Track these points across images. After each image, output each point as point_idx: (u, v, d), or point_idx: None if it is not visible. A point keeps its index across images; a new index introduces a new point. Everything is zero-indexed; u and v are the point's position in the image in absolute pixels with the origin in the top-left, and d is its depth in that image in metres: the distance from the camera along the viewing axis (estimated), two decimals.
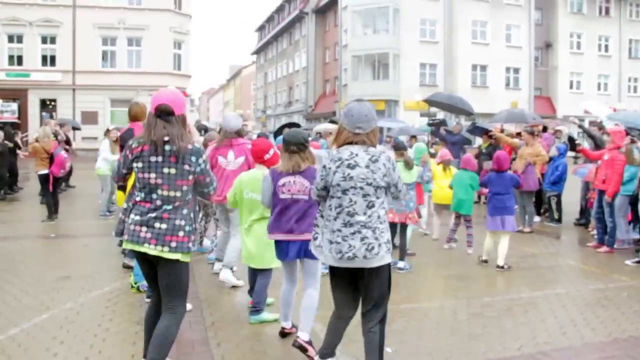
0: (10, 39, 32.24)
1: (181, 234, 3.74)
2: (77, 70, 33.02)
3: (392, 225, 7.81)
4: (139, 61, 34.45)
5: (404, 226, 7.87)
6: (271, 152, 5.76)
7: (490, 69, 39.03)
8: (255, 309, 5.58)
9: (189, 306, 5.98)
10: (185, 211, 3.78)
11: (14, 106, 31.65)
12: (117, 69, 34.03)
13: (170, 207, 3.74)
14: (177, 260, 3.75)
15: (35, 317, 5.54)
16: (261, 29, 66.43)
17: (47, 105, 33.22)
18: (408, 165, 7.85)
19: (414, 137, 15.04)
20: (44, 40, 32.79)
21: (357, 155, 3.84)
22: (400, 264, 7.71)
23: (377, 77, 38.37)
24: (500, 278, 7.51)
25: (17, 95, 31.95)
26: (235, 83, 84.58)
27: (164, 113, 3.74)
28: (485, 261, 8.18)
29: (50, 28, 32.54)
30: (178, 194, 3.76)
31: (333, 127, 22.42)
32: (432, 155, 12.24)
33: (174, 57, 35.47)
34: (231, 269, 7.02)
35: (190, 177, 3.77)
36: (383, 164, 3.82)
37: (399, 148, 8.14)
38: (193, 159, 3.73)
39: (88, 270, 7.30)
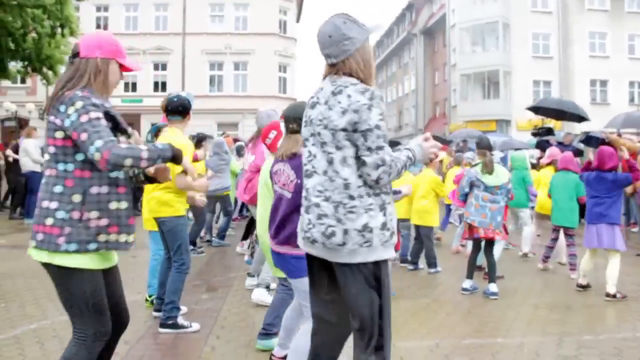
0: None
1: (49, 222, 2.54)
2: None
3: (476, 243, 6.31)
4: (245, 85, 34.61)
5: (490, 243, 6.30)
6: (272, 134, 4.52)
7: (612, 84, 35.38)
8: (265, 331, 4.33)
9: (195, 326, 4.89)
10: (58, 188, 2.57)
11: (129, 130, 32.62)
12: (224, 92, 34.35)
13: (44, 180, 2.61)
14: (59, 265, 2.55)
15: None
16: None
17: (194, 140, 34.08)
18: (487, 168, 6.29)
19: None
20: (156, 67, 33.82)
21: (321, 90, 2.63)
22: (493, 288, 6.14)
23: (487, 96, 36.04)
24: (609, 310, 5.76)
25: (131, 120, 32.92)
26: None
27: (71, 56, 2.69)
28: (583, 286, 6.41)
29: (161, 55, 33.52)
30: (47, 158, 2.62)
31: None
32: (534, 167, 10.50)
33: (279, 81, 35.34)
34: (267, 287, 5.84)
35: (59, 134, 2.57)
36: (347, 96, 2.50)
37: (481, 146, 6.62)
38: (62, 108, 2.55)
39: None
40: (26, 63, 20.41)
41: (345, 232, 2.49)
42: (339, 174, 2.53)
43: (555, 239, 7.60)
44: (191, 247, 8.70)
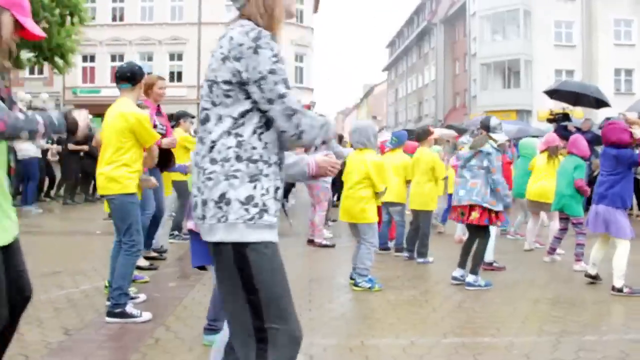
0: (142, 57, 33.19)
1: None
2: (202, 85, 33.20)
3: (471, 229, 5.66)
4: None
5: (480, 228, 5.62)
6: None
7: (637, 73, 34.02)
8: (210, 326, 3.77)
9: (146, 315, 4.42)
10: None
11: None
12: None
13: None
14: None
15: None
16: (391, 44, 64.87)
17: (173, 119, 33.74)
18: (476, 147, 5.64)
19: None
20: (172, 57, 33.44)
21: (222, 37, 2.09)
22: (470, 278, 5.49)
23: (508, 85, 34.96)
24: (618, 307, 5.07)
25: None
26: (369, 101, 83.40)
27: None
28: (592, 277, 5.72)
29: (177, 45, 33.11)
30: None
31: (450, 132, 20.14)
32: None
33: (295, 70, 34.70)
34: None
35: None
36: (229, 39, 2.02)
37: (482, 126, 5.94)
38: None
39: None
40: (37, 52, 20.14)
41: (204, 203, 2.00)
42: (210, 134, 2.02)
43: (564, 230, 6.90)
44: (176, 232, 8.20)
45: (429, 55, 49.44)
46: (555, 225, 7.05)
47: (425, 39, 50.21)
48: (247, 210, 1.97)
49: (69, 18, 20.11)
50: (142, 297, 4.93)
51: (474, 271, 5.51)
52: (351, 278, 5.60)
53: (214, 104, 2.02)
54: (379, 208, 5.74)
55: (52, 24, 19.07)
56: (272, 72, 1.96)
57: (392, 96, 65.25)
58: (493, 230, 6.36)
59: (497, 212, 5.56)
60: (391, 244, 7.50)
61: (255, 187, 1.99)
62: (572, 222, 6.62)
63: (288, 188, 12.68)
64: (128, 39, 32.45)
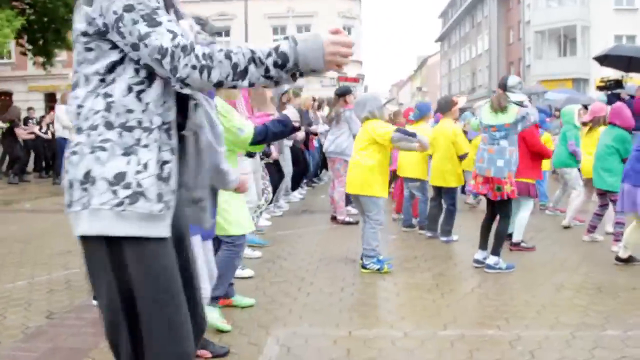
0: None
1: None
2: None
3: (490, 204, 5.18)
4: None
5: (503, 203, 5.09)
6: None
7: None
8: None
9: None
10: None
11: None
12: None
13: None
14: None
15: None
16: (444, 14, 62.88)
17: None
18: (493, 106, 5.09)
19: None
20: (219, 33, 33.34)
21: None
22: (490, 260, 5.01)
23: (564, 53, 33.21)
24: None
25: None
26: (422, 73, 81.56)
27: None
28: (623, 260, 5.17)
29: (224, 21, 32.94)
30: None
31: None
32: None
33: None
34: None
35: None
36: None
37: (500, 84, 5.38)
38: None
39: None
40: None
41: (70, 185, 1.59)
42: (76, 99, 1.63)
43: (604, 206, 6.27)
44: None
45: (482, 24, 47.62)
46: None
47: (478, 7, 48.32)
48: (115, 192, 1.56)
49: None
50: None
51: (495, 252, 5.02)
52: (361, 259, 5.22)
53: (79, 63, 1.64)
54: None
55: None
56: (128, 9, 1.55)
57: (446, 67, 63.47)
58: (528, 204, 5.85)
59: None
60: (415, 221, 7.05)
61: (128, 162, 1.58)
62: (610, 199, 5.99)
63: (321, 164, 12.33)
64: None
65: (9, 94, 30.11)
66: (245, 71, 1.61)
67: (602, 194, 6.14)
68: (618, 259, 5.22)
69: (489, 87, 45.41)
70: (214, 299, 3.75)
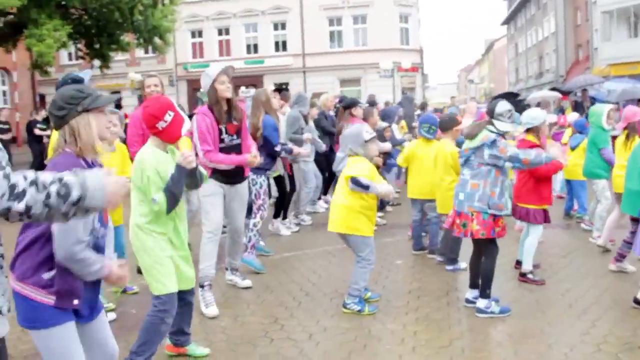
0: (247, 28, 33.24)
1: None
2: (307, 52, 32.71)
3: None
4: (365, 39, 32.79)
5: (483, 241, 4.48)
6: (168, 117, 3.33)
7: None
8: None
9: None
10: None
11: (252, 92, 32.63)
12: (344, 48, 32.86)
13: None
14: None
15: None
16: None
17: (280, 90, 33.58)
18: (467, 134, 4.49)
19: None
20: (275, 26, 33.10)
21: None
22: (480, 303, 4.46)
23: (634, 35, 30.86)
24: None
25: (254, 81, 32.79)
26: (489, 57, 78.69)
27: None
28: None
29: (280, 15, 32.65)
30: None
31: (553, 94, 18.00)
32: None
33: (400, 32, 33.09)
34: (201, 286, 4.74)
35: None
36: None
37: (487, 111, 4.72)
38: None
39: None
40: (137, 35, 20.58)
41: None
42: None
43: (635, 232, 5.48)
44: None
45: (547, 5, 45.16)
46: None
47: None
48: None
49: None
50: (112, 315, 4.51)
51: (483, 294, 4.43)
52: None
53: None
54: None
55: (146, 6, 19.30)
56: None
57: (512, 51, 60.87)
58: (536, 231, 5.21)
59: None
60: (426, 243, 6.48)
61: None
62: None
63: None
64: (232, 11, 32.58)
65: None
66: (23, 193, 1.61)
67: (635, 219, 5.35)
68: (637, 301, 4.52)
69: (556, 71, 43.12)
70: None
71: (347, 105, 7.14)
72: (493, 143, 4.27)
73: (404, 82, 33.56)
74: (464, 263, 5.75)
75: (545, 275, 5.43)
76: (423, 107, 13.79)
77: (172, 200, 3.31)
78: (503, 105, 4.44)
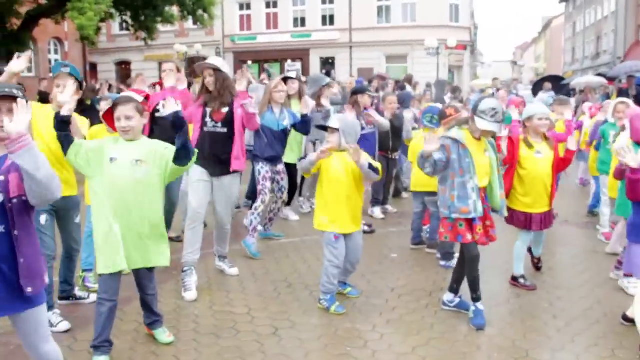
0: (295, 1, 32.87)
1: None
2: (354, 27, 32.15)
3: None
4: (414, 14, 31.96)
5: (463, 245, 4.23)
6: None
7: None
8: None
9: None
10: None
11: (298, 66, 32.54)
12: (392, 24, 32.15)
13: None
14: None
15: None
16: None
17: (327, 63, 33.26)
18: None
19: None
20: (324, 0, 32.65)
21: None
22: (446, 296, 4.30)
23: None
24: None
25: (300, 55, 32.69)
26: (546, 36, 75.49)
27: None
28: (630, 320, 4.11)
29: None
30: None
31: (599, 80, 17.14)
32: None
33: (450, 8, 32.10)
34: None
35: None
36: None
37: (473, 108, 4.38)
38: None
39: None
40: (182, 8, 20.65)
41: None
42: None
43: None
44: None
45: None
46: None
47: None
48: None
49: None
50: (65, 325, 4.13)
51: (451, 288, 4.27)
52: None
53: None
54: None
55: None
56: None
57: (570, 30, 58.18)
58: (524, 235, 4.92)
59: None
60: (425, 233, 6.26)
61: None
62: None
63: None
64: None
65: (128, 63, 31.76)
66: None
67: None
68: (626, 319, 4.20)
69: (613, 53, 41.05)
70: (97, 348, 3.47)
71: (354, 92, 6.90)
72: (443, 145, 3.99)
73: (451, 60, 32.66)
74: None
75: (540, 280, 5.14)
76: (455, 91, 13.21)
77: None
78: (488, 103, 4.08)
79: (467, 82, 31.75)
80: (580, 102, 13.48)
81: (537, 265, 5.41)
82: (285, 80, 6.60)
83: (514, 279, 5.00)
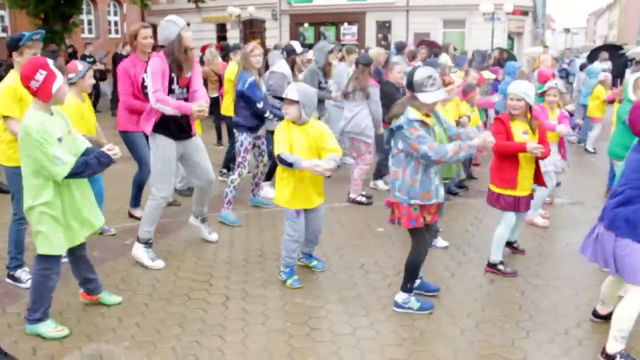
0: None
1: None
2: None
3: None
4: None
5: (412, 230, 3.88)
6: (40, 76, 3.20)
7: None
8: (28, 316, 3.54)
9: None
10: None
11: (354, 29, 31.84)
12: None
13: None
14: None
15: None
16: None
17: (383, 27, 32.32)
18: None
19: None
20: None
21: None
22: (398, 297, 4.01)
23: None
24: None
25: (356, 18, 31.86)
26: (622, 2, 70.47)
27: None
28: (601, 317, 3.78)
29: None
30: None
31: None
32: None
33: None
34: (147, 243, 4.66)
35: None
36: None
37: (407, 84, 4.12)
38: None
39: None
40: None
41: None
42: None
43: None
44: None
45: None
46: None
47: None
48: None
49: None
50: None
51: (404, 287, 3.94)
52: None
53: None
54: None
55: None
56: None
57: None
58: (506, 219, 4.56)
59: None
60: None
61: None
62: None
63: None
64: None
65: (186, 24, 31.94)
66: None
67: None
68: (596, 315, 3.83)
69: None
70: (32, 321, 3.48)
71: (366, 63, 6.50)
72: (402, 127, 3.62)
73: (511, 26, 31.05)
74: (442, 241, 5.23)
75: (523, 265, 4.77)
76: (498, 61, 12.38)
77: (81, 170, 3.29)
78: (421, 72, 3.61)
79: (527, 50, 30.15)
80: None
81: (518, 249, 5.06)
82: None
83: (492, 265, 4.66)
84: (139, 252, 4.65)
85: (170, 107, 4.47)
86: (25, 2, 17.00)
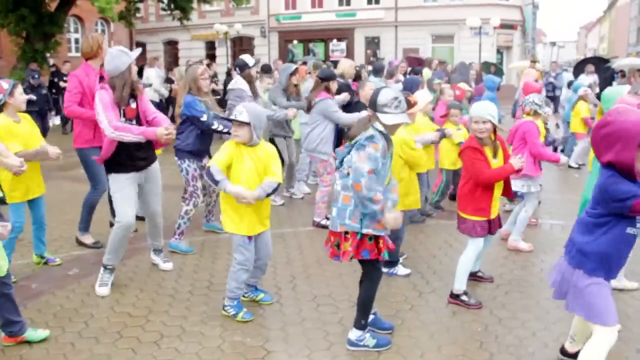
0: None
1: None
2: (400, 6, 30.89)
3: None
4: None
5: (364, 262, 3.53)
6: None
7: None
8: None
9: None
10: None
11: (343, 45, 31.74)
12: (439, 2, 30.69)
13: None
14: None
15: None
16: None
17: (372, 43, 32.21)
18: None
19: None
20: None
21: None
22: (351, 334, 3.65)
23: None
24: None
25: (345, 34, 31.78)
26: (611, 15, 70.88)
27: None
28: (568, 356, 3.40)
29: None
30: None
31: None
32: None
33: None
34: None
35: None
36: None
37: (370, 104, 3.66)
38: None
39: None
40: None
41: None
42: None
43: None
44: None
45: None
46: None
47: None
48: None
49: None
50: None
51: (357, 324, 3.59)
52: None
53: None
54: None
55: None
56: None
57: (636, 8, 54.38)
58: (473, 244, 4.22)
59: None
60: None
61: None
62: None
63: None
64: None
65: (175, 42, 31.76)
66: None
67: None
68: (564, 353, 3.47)
69: None
70: None
71: (324, 78, 6.19)
72: (359, 148, 3.30)
73: (499, 40, 31.01)
74: (404, 269, 4.86)
75: (496, 303, 4.31)
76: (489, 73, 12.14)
77: None
78: (387, 93, 3.36)
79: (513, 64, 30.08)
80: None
81: (483, 277, 4.72)
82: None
83: (455, 296, 4.29)
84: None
85: (132, 134, 4.18)
86: (5, 20, 16.72)
